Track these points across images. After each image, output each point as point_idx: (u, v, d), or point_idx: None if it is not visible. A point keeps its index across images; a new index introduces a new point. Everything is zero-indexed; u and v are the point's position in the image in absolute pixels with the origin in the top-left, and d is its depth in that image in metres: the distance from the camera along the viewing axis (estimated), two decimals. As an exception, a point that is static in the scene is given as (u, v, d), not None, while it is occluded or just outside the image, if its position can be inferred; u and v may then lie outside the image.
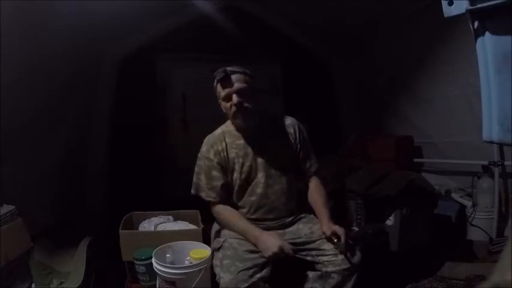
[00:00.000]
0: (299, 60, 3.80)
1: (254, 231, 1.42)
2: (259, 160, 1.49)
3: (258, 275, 1.30)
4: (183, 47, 3.50)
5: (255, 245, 1.39)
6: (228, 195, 1.53)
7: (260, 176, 1.49)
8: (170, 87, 3.67)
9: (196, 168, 1.55)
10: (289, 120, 1.61)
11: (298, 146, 1.57)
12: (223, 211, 1.50)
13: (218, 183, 1.49)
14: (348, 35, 3.32)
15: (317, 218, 1.55)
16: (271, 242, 1.34)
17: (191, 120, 3.69)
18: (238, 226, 1.46)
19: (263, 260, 1.35)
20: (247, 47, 3.41)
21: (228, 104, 1.44)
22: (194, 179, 1.55)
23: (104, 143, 3.19)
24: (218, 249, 1.45)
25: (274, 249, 1.31)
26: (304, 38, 3.78)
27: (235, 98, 1.41)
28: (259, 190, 1.49)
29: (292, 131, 1.58)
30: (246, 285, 1.26)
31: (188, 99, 3.71)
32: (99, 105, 3.14)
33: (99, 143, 3.16)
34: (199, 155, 1.55)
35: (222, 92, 1.44)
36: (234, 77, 1.42)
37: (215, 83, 1.47)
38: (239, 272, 1.28)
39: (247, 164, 1.49)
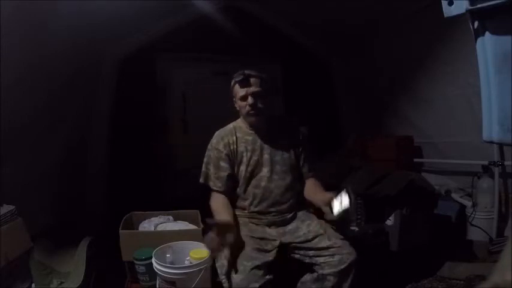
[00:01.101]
0: (299, 60, 3.80)
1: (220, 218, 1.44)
2: (266, 156, 1.59)
3: (268, 277, 1.32)
4: (183, 47, 3.49)
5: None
6: (233, 186, 1.60)
7: (265, 171, 1.58)
8: (170, 87, 3.67)
9: (205, 159, 1.64)
10: (293, 123, 1.72)
11: (300, 147, 1.66)
12: (215, 199, 1.57)
13: (225, 173, 1.57)
14: (348, 35, 3.32)
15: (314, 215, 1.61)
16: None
17: (191, 120, 3.69)
18: (214, 209, 1.52)
19: (270, 258, 1.39)
20: (247, 47, 3.41)
21: (244, 103, 1.55)
22: (203, 168, 1.63)
23: (104, 143, 3.19)
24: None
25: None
26: (304, 38, 3.78)
27: (250, 99, 1.53)
28: (263, 183, 1.57)
29: (296, 133, 1.69)
30: (257, 285, 1.28)
31: (188, 99, 3.71)
32: (99, 105, 3.14)
33: (99, 143, 3.16)
34: (209, 146, 1.64)
35: (239, 92, 1.56)
36: (251, 80, 1.54)
37: (232, 84, 1.59)
38: (250, 271, 1.30)
39: (255, 158, 1.58)
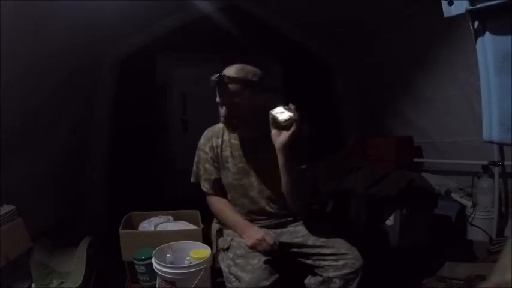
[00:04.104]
0: (299, 60, 3.80)
1: (243, 223, 1.46)
2: (252, 163, 1.47)
3: (277, 275, 1.29)
4: (183, 47, 3.50)
5: (241, 237, 1.43)
6: (223, 188, 1.55)
7: (252, 179, 1.48)
8: (170, 87, 3.68)
9: (195, 158, 1.59)
10: None
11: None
12: (216, 203, 1.54)
13: (211, 177, 1.53)
14: (348, 34, 3.32)
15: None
16: (254, 231, 1.40)
17: (191, 120, 3.69)
18: (228, 218, 1.50)
19: (273, 257, 1.36)
20: (247, 47, 3.41)
21: (220, 110, 1.40)
22: (194, 167, 1.59)
23: (104, 142, 3.20)
24: (227, 249, 1.45)
25: (258, 236, 1.36)
26: (304, 37, 3.79)
27: (223, 111, 1.36)
28: (251, 193, 1.48)
29: None
30: (268, 283, 1.25)
31: (188, 99, 3.71)
32: (100, 106, 3.15)
33: (99, 142, 3.16)
34: (198, 145, 1.58)
35: (216, 96, 1.38)
36: (230, 86, 1.32)
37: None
38: (258, 269, 1.27)
39: (240, 165, 1.48)
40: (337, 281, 1.34)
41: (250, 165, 1.47)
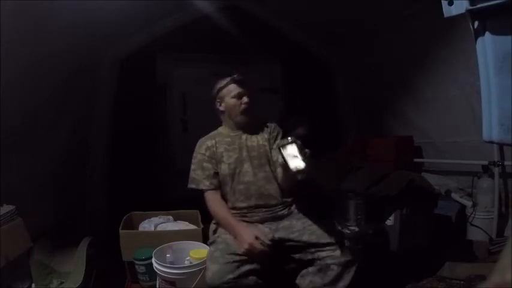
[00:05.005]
0: (299, 60, 3.80)
1: (236, 225, 1.52)
2: (245, 153, 1.67)
3: (247, 267, 1.34)
4: (183, 47, 3.50)
5: (235, 238, 1.48)
6: (220, 183, 1.67)
7: (246, 167, 1.65)
8: (170, 87, 3.68)
9: (192, 165, 1.71)
10: (265, 120, 1.83)
11: (272, 141, 1.74)
12: (212, 200, 1.63)
13: (210, 172, 1.65)
14: (348, 34, 3.32)
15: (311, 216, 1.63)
16: (246, 234, 1.43)
17: (191, 120, 3.70)
18: (223, 220, 1.58)
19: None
20: (247, 47, 3.41)
21: (238, 102, 1.67)
22: (190, 174, 1.70)
23: (104, 142, 3.20)
24: (211, 243, 1.52)
25: (250, 240, 1.39)
26: (304, 37, 3.78)
27: (246, 98, 1.67)
28: (246, 178, 1.63)
29: (267, 128, 1.78)
30: (232, 276, 1.29)
31: (188, 99, 3.71)
32: (100, 106, 3.15)
33: (99, 142, 3.16)
34: (194, 153, 1.73)
35: (235, 90, 1.67)
36: (247, 81, 1.70)
37: (225, 84, 1.69)
38: (226, 263, 1.33)
39: (235, 156, 1.67)
40: (334, 267, 1.39)
41: (243, 154, 1.67)
